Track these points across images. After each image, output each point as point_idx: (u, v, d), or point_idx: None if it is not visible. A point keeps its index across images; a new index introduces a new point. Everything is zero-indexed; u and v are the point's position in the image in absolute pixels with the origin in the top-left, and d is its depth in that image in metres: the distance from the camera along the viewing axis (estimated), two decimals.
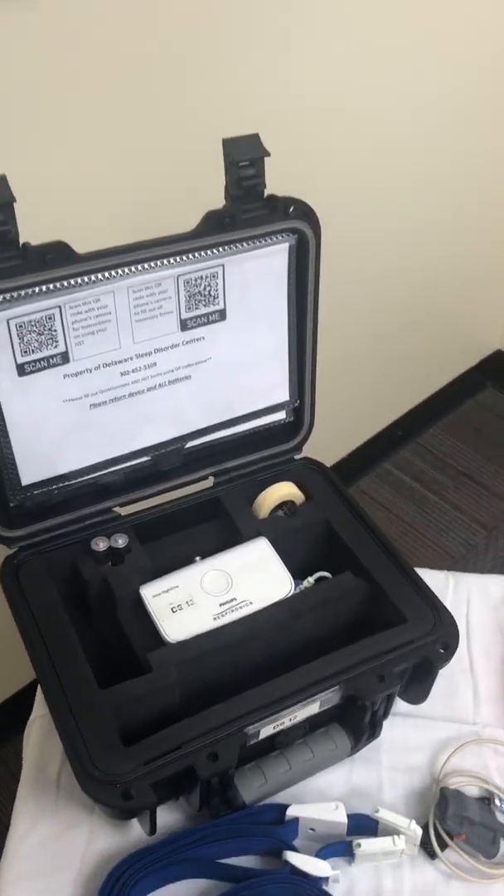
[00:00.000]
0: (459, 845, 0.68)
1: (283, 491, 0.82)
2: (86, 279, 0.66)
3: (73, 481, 0.75)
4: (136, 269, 0.68)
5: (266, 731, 0.66)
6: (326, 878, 0.66)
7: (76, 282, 0.66)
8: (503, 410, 2.09)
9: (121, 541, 0.76)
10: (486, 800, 0.72)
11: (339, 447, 1.78)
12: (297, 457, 0.87)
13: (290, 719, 0.67)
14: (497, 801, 0.72)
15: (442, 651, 0.71)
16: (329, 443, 0.89)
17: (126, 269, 0.67)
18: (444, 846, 0.69)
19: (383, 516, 1.81)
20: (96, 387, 0.72)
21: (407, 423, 1.94)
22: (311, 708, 0.68)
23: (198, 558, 0.77)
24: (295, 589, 0.75)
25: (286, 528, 0.80)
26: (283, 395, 0.82)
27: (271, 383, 0.81)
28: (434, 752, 0.76)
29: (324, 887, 0.65)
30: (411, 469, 1.93)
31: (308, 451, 0.87)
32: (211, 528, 0.82)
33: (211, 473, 0.82)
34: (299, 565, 0.78)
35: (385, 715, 0.73)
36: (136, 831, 0.69)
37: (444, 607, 0.73)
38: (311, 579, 0.79)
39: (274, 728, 0.67)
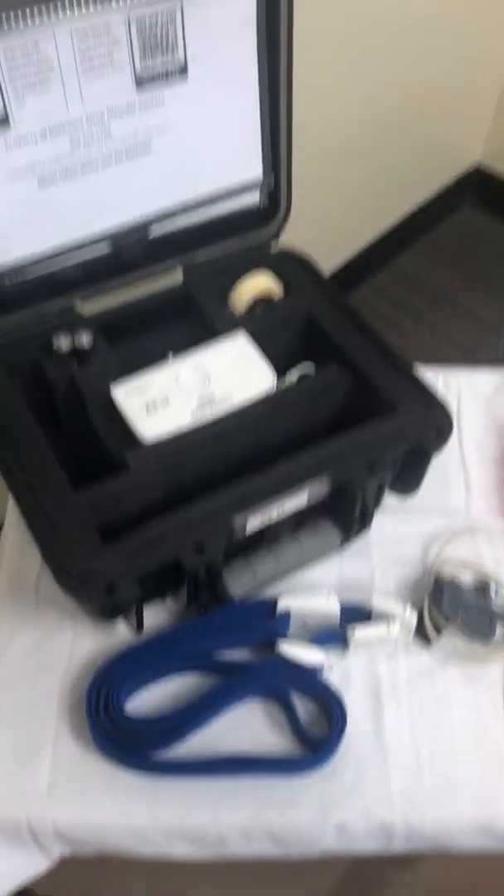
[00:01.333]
0: (455, 630, 0.67)
1: (261, 282, 0.75)
2: (20, 21, 0.56)
3: (28, 273, 0.68)
4: (79, 9, 0.58)
5: (253, 523, 0.62)
6: (321, 669, 0.64)
7: (9, 25, 0.56)
8: (480, 230, 2.00)
9: (85, 339, 0.69)
10: (482, 589, 0.71)
11: None
12: (273, 250, 0.79)
13: (278, 511, 0.63)
14: (493, 589, 0.70)
15: (435, 437, 0.66)
16: None
17: (67, 11, 0.57)
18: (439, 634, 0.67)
19: None
20: (44, 156, 0.63)
21: (382, 246, 1.85)
22: (300, 499, 0.64)
23: (170, 355, 0.71)
24: (277, 384, 0.70)
25: (265, 322, 0.74)
26: (255, 170, 0.74)
27: (242, 156, 0.73)
28: (426, 543, 0.73)
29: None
30: (388, 293, 1.86)
31: None
32: (183, 326, 0.76)
33: (179, 264, 0.75)
34: (280, 361, 0.72)
35: (376, 505, 0.70)
36: (122, 634, 0.66)
37: (435, 393, 0.68)
38: (293, 374, 0.73)
39: (261, 521, 0.63)
